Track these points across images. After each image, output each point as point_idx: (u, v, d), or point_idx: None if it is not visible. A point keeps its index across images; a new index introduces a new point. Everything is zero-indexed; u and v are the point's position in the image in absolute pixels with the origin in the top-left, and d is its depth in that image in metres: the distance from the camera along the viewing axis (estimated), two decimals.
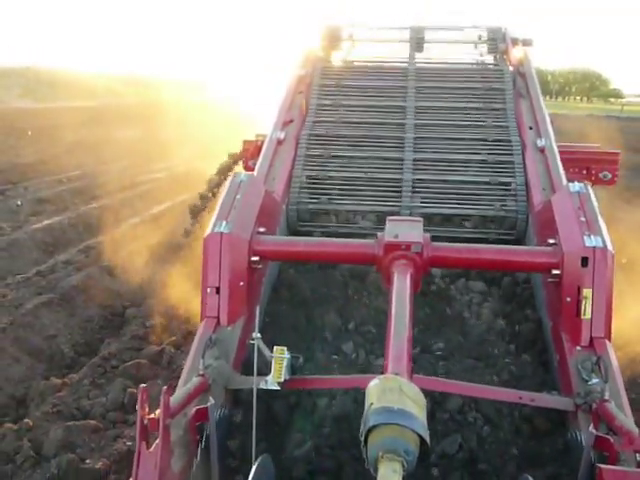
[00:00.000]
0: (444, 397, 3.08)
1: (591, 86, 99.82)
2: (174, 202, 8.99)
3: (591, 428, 2.51)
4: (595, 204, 3.51)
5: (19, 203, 10.40)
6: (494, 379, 3.36)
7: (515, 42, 6.33)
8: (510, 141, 5.00)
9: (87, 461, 3.70)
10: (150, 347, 5.17)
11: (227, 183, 3.82)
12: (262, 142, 5.54)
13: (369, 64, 6.13)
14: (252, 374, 2.72)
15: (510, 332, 3.84)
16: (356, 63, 6.20)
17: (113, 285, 6.49)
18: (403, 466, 1.97)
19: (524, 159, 4.80)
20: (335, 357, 3.54)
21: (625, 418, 2.52)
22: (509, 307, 4.09)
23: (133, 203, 10.08)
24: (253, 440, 2.52)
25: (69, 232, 8.84)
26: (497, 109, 5.34)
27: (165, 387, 2.23)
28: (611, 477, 2.07)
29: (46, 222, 9.10)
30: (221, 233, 3.31)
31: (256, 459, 2.24)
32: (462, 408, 3.11)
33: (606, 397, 2.66)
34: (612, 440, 2.39)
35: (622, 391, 2.78)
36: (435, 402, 3.04)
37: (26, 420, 4.20)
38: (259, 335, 2.73)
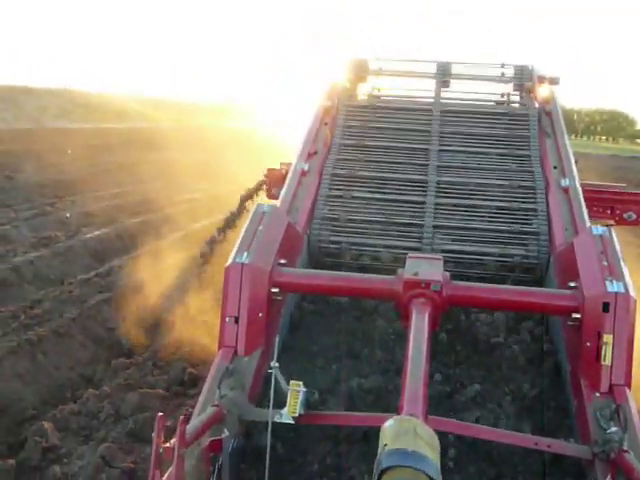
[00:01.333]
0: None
1: (617, 126, 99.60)
2: (211, 220, 9.43)
3: (608, 479, 2.48)
4: (618, 248, 3.49)
5: (68, 215, 11.13)
6: None
7: (542, 80, 6.35)
8: (534, 188, 4.97)
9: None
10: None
11: (250, 213, 3.86)
12: (285, 171, 5.60)
13: (394, 100, 6.14)
14: (267, 406, 2.73)
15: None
16: (381, 98, 6.23)
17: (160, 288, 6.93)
18: None
19: (547, 199, 4.79)
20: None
21: None
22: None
23: (175, 219, 10.67)
24: (266, 472, 2.52)
25: (117, 242, 9.58)
26: (521, 155, 5.31)
27: (182, 417, 2.25)
28: None
29: (96, 233, 9.86)
30: (242, 264, 3.34)
31: None
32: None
33: (625, 447, 2.62)
34: None
35: None
36: None
37: (105, 388, 4.89)
38: (277, 364, 2.73)
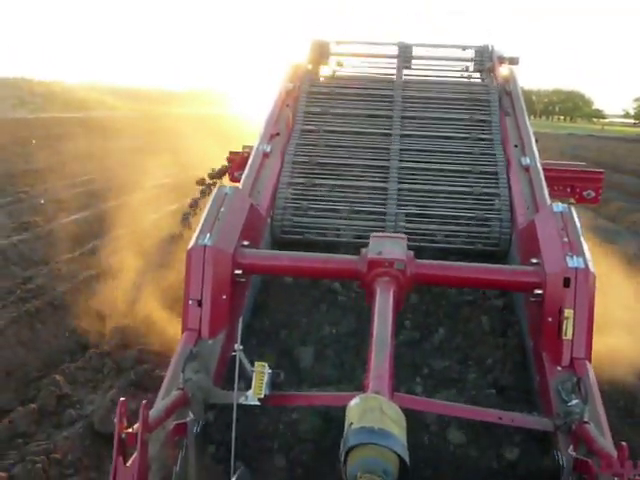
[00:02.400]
0: None
1: (574, 106, 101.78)
2: (183, 203, 9.48)
3: (570, 450, 2.52)
4: (578, 225, 3.54)
5: (42, 202, 11.52)
6: None
7: (502, 60, 6.39)
8: (494, 154, 5.05)
9: (156, 371, 4.65)
10: None
11: (211, 196, 3.81)
12: (248, 154, 5.55)
13: (356, 83, 6.03)
14: (232, 388, 2.71)
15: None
16: (343, 82, 6.11)
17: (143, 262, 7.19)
18: None
19: (508, 176, 4.83)
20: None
21: (604, 441, 2.53)
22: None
23: (148, 203, 10.83)
24: (232, 455, 2.50)
25: (96, 225, 9.81)
26: (483, 139, 5.33)
27: (144, 401, 2.21)
28: None
29: (73, 217, 10.27)
30: (204, 246, 3.30)
31: (234, 473, 2.22)
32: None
33: (585, 419, 2.66)
34: (591, 463, 2.40)
35: (602, 413, 2.78)
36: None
37: (105, 347, 5.36)
38: (241, 347, 2.71)
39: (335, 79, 6.14)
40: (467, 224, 4.62)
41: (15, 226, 9.53)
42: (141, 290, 6.21)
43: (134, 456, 2.17)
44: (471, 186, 4.83)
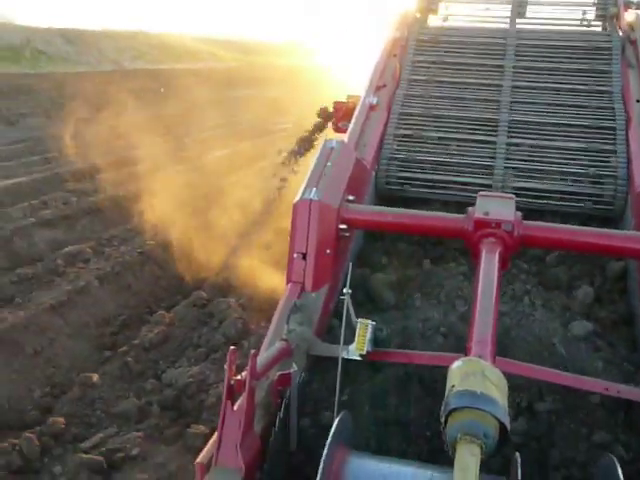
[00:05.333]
0: None
1: None
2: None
3: None
4: None
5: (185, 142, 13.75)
6: None
7: (628, 5, 5.96)
8: (613, 109, 4.78)
9: None
10: None
11: (318, 149, 3.83)
12: (353, 104, 5.51)
13: (466, 32, 5.80)
14: (333, 342, 2.76)
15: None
16: (453, 30, 5.91)
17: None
18: (482, 449, 1.98)
19: (627, 135, 4.57)
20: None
21: None
22: None
23: (275, 142, 11.79)
24: (335, 403, 2.57)
25: (243, 158, 11.81)
26: (602, 92, 5.02)
27: (253, 351, 2.30)
28: None
29: (225, 151, 12.38)
30: (310, 200, 3.33)
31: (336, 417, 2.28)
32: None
33: None
34: None
35: None
36: None
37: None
38: (349, 291, 2.74)
39: (445, 28, 5.95)
40: (579, 182, 4.43)
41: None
42: None
43: (241, 401, 2.28)
44: (586, 142, 4.60)
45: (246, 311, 5.57)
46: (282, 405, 2.58)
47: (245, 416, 2.24)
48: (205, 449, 2.25)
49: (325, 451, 2.01)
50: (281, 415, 2.54)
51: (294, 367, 2.66)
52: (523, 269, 4.08)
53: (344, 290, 2.74)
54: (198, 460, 2.18)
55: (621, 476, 1.94)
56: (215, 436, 2.25)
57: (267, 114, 16.40)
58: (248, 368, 2.26)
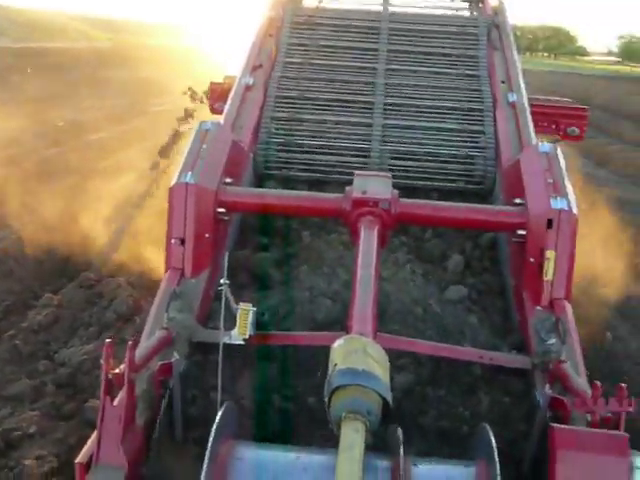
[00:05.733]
0: None
1: (559, 43, 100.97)
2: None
3: (547, 388, 2.59)
4: (563, 165, 3.53)
5: (61, 124, 13.13)
6: None
7: None
8: (481, 91, 4.99)
9: None
10: None
11: (193, 131, 3.74)
12: (228, 85, 5.43)
13: (341, 14, 5.85)
14: (215, 328, 2.72)
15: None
16: (327, 12, 5.94)
17: None
18: (366, 426, 2.01)
19: (494, 113, 4.78)
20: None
21: (579, 379, 2.59)
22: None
23: (154, 124, 11.78)
24: (219, 392, 2.53)
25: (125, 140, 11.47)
26: (470, 56, 5.28)
27: (130, 342, 2.22)
28: (561, 436, 2.13)
29: (102, 134, 12.01)
30: (186, 184, 3.25)
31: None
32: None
33: (562, 358, 2.72)
34: (566, 401, 2.47)
35: (578, 352, 2.84)
36: None
37: None
38: (227, 281, 2.70)
39: (319, 10, 5.96)
40: (451, 161, 4.60)
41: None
42: None
43: (120, 395, 2.19)
44: (456, 123, 4.78)
45: (136, 289, 5.40)
46: (165, 396, 2.51)
47: (126, 411, 2.16)
48: (85, 447, 2.15)
49: (210, 443, 1.98)
50: (164, 406, 2.47)
51: (175, 356, 2.59)
52: (403, 242, 4.19)
53: (221, 281, 2.70)
54: (78, 459, 2.08)
55: (494, 444, 2.04)
56: (95, 434, 2.15)
57: (143, 96, 15.96)
58: (126, 360, 2.17)
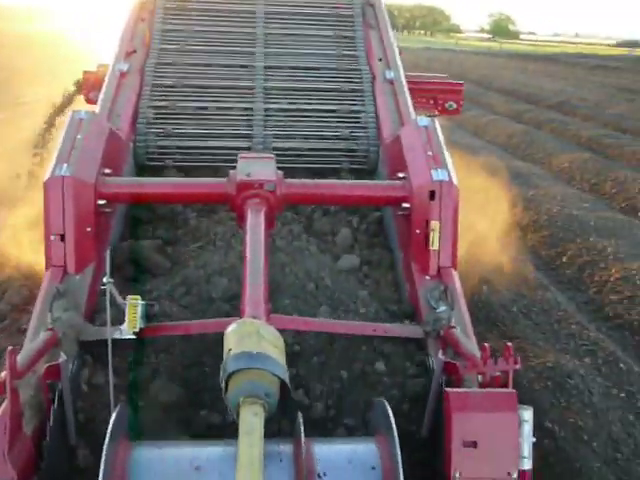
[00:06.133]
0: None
1: (434, 21, 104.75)
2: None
3: (439, 354, 2.67)
4: (441, 138, 3.63)
5: None
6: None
7: None
8: (360, 70, 5.04)
9: None
10: None
11: (66, 121, 3.56)
12: (103, 73, 5.22)
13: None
14: (104, 324, 2.62)
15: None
16: None
17: None
18: (264, 409, 2.00)
19: (374, 91, 4.86)
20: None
21: (469, 343, 2.69)
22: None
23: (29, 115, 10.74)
24: (111, 391, 2.44)
25: None
26: (347, 37, 5.32)
27: (10, 347, 2.10)
28: (455, 399, 2.21)
29: None
30: (62, 177, 3.09)
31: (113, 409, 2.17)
32: None
33: (452, 324, 2.82)
34: (458, 364, 2.56)
35: (467, 318, 2.95)
36: None
37: None
38: (111, 280, 2.61)
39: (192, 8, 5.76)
40: (335, 142, 4.64)
41: None
42: None
43: (4, 405, 2.07)
44: (338, 104, 4.82)
45: (30, 279, 5.14)
46: (55, 399, 2.40)
47: (10, 420, 2.03)
48: None
49: (105, 448, 1.90)
50: (55, 410, 2.36)
51: (63, 356, 2.47)
52: (295, 218, 4.21)
53: (104, 280, 2.60)
54: None
55: (392, 417, 2.08)
56: None
57: (11, 85, 15.00)
58: (7, 366, 2.05)
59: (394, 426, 2.05)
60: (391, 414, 2.09)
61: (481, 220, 5.15)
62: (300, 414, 2.08)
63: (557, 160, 11.49)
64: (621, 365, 4.65)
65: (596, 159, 11.29)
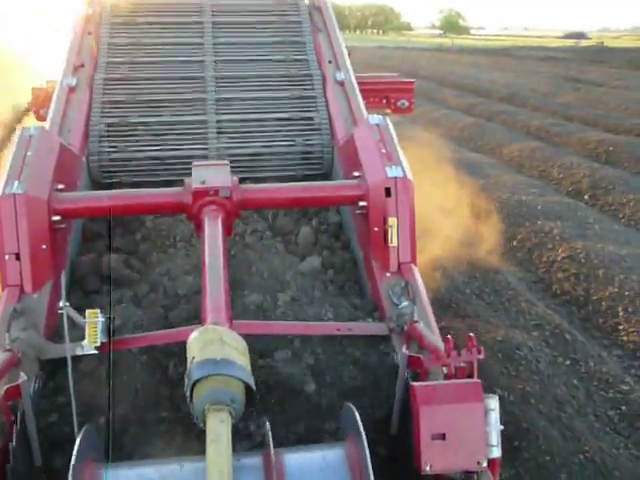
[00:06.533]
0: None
1: (385, 19, 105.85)
2: None
3: (404, 349, 2.69)
4: (394, 135, 3.66)
5: None
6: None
7: None
8: (311, 75, 5.05)
9: None
10: None
11: (15, 138, 3.51)
12: (52, 89, 5.13)
13: (161, 9, 5.68)
14: (65, 341, 2.57)
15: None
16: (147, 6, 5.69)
17: None
18: (231, 415, 1.99)
19: (325, 94, 4.87)
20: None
21: (433, 336, 2.71)
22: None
23: None
24: (73, 411, 2.40)
25: None
26: (296, 42, 5.32)
27: None
28: (421, 392, 2.22)
29: None
30: (14, 194, 3.05)
31: (79, 431, 2.13)
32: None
33: (415, 318, 2.84)
34: (422, 358, 2.58)
35: (429, 311, 2.98)
36: None
37: None
38: (67, 304, 2.57)
39: (137, 6, 5.70)
40: (289, 147, 4.64)
41: None
42: None
43: None
44: (290, 111, 4.81)
45: None
46: (17, 420, 2.35)
47: None
48: None
49: (70, 473, 1.87)
50: (17, 431, 2.31)
51: (23, 376, 2.42)
52: (258, 220, 4.24)
53: (60, 304, 2.56)
54: None
55: (359, 421, 2.09)
56: None
57: None
58: None
59: (362, 429, 2.05)
60: (359, 418, 2.10)
61: (433, 211, 5.25)
62: (268, 423, 2.07)
63: (507, 150, 11.88)
64: (567, 336, 4.93)
65: (544, 147, 11.72)
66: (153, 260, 3.80)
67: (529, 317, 5.23)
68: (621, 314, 5.36)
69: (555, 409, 3.95)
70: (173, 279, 3.50)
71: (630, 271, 5.91)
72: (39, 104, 6.03)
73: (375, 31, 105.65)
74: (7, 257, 3.01)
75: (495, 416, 2.18)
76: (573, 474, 3.45)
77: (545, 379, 4.22)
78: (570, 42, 64.92)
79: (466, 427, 2.16)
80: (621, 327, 5.22)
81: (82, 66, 4.84)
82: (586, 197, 8.95)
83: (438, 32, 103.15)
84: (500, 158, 11.54)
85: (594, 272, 6.01)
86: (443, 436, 2.14)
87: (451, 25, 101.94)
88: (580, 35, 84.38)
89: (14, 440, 2.26)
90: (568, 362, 4.61)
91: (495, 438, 2.18)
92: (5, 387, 2.36)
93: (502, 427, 2.19)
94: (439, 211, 5.42)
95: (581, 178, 9.54)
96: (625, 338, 5.05)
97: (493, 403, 2.19)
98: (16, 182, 3.10)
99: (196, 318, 2.97)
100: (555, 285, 6.13)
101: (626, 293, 5.57)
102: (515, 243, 7.06)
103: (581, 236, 6.85)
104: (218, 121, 4.69)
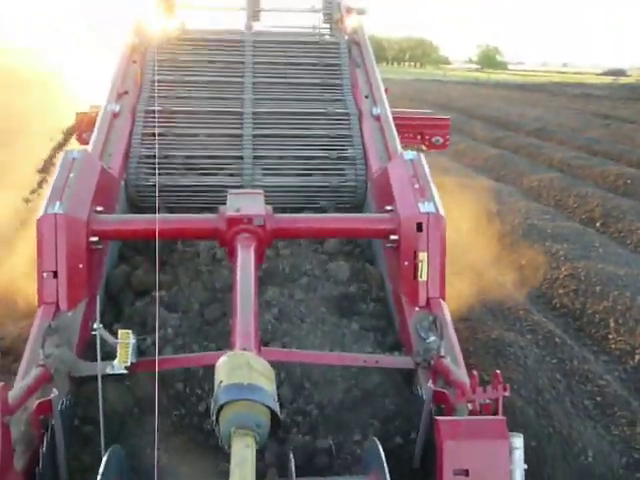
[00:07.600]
0: None
1: (423, 53, 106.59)
2: None
3: (429, 383, 2.69)
4: (427, 171, 3.70)
5: None
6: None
7: (349, 11, 6.43)
8: (348, 114, 5.13)
9: None
10: None
11: (59, 161, 3.62)
12: (96, 114, 5.29)
13: (205, 32, 5.90)
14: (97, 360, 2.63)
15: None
16: (191, 31, 5.95)
17: None
18: (255, 440, 2.01)
19: (361, 128, 4.94)
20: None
21: (459, 372, 2.71)
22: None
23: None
24: (101, 430, 2.44)
25: None
26: (334, 84, 5.42)
27: (2, 383, 2.11)
28: (446, 427, 2.21)
29: None
30: (55, 214, 3.15)
31: (105, 450, 2.17)
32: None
33: (442, 353, 2.84)
34: (448, 393, 2.58)
35: (456, 347, 2.97)
36: None
37: None
38: (100, 325, 2.63)
39: (182, 40, 5.82)
40: (325, 180, 4.73)
41: None
42: None
43: None
44: (327, 149, 4.91)
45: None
46: (46, 435, 2.40)
47: (1, 456, 2.04)
48: None
49: None
50: (44, 449, 2.36)
51: (55, 392, 2.48)
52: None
53: (94, 325, 2.62)
54: None
55: (383, 456, 2.09)
56: None
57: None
58: None
59: (385, 465, 2.06)
60: (382, 453, 2.10)
61: (451, 233, 5.39)
62: (292, 453, 2.09)
63: (527, 180, 11.99)
64: (557, 340, 5.20)
65: (563, 178, 11.79)
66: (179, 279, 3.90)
67: (525, 323, 5.49)
68: (612, 325, 5.74)
69: (534, 394, 4.12)
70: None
71: (625, 288, 6.21)
72: (82, 128, 6.20)
73: (412, 64, 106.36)
74: (45, 275, 3.09)
75: (519, 454, 2.17)
76: (541, 441, 3.63)
77: (530, 371, 4.39)
78: (608, 79, 64.32)
79: (490, 464, 2.15)
80: (611, 336, 5.64)
81: (126, 93, 4.98)
82: (597, 224, 9.22)
83: (475, 67, 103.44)
84: (520, 187, 11.66)
85: (592, 288, 6.35)
86: (466, 472, 2.13)
87: (488, 60, 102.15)
88: (620, 72, 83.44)
89: (42, 455, 2.31)
90: (555, 361, 4.83)
91: (519, 477, 2.16)
92: (37, 401, 2.42)
93: (526, 466, 2.17)
94: (454, 233, 5.53)
95: (594, 207, 9.77)
96: (613, 346, 5.50)
97: (518, 442, 2.18)
98: (57, 202, 3.20)
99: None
100: (555, 299, 6.51)
101: (619, 307, 5.90)
102: (523, 262, 7.31)
103: (585, 257, 7.17)
104: (254, 157, 4.80)
